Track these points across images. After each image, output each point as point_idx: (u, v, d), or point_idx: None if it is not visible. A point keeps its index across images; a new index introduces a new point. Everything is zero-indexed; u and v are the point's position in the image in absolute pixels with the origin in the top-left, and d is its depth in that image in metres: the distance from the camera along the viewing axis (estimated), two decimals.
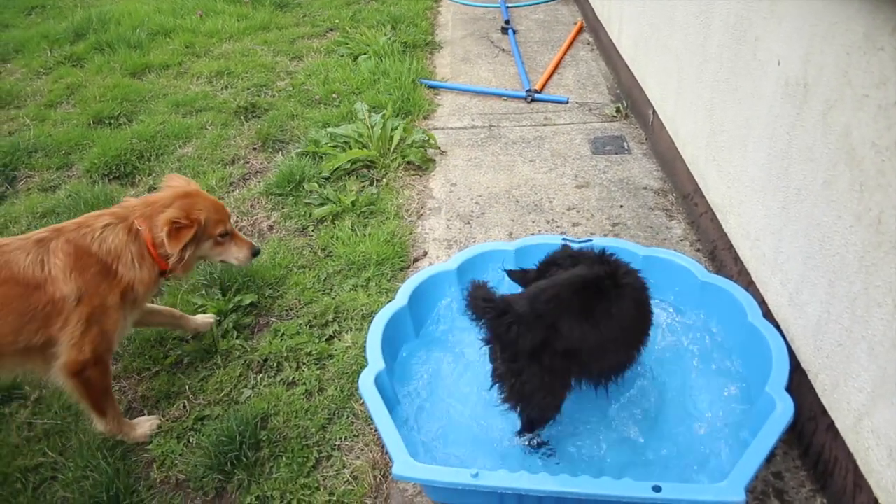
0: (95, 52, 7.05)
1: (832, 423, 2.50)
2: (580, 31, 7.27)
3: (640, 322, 2.71)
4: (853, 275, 2.33)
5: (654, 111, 4.83)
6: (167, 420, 3.02)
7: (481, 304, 2.37)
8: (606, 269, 2.59)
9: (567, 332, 2.42)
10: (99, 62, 6.78)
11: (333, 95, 5.88)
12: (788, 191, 2.82)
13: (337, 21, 7.85)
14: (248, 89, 6.22)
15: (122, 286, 2.76)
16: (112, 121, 5.68)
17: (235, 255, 3.10)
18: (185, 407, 3.10)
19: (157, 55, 7.02)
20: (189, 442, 2.93)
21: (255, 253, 3.16)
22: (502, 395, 2.57)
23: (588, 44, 7.02)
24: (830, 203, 2.48)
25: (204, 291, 3.68)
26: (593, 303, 2.51)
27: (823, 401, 2.57)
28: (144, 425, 2.99)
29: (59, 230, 2.75)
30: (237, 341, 3.40)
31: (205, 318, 3.46)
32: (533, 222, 4.15)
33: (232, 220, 3.20)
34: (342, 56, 6.79)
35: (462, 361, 3.08)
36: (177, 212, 2.83)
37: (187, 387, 3.18)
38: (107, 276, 2.73)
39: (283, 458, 2.80)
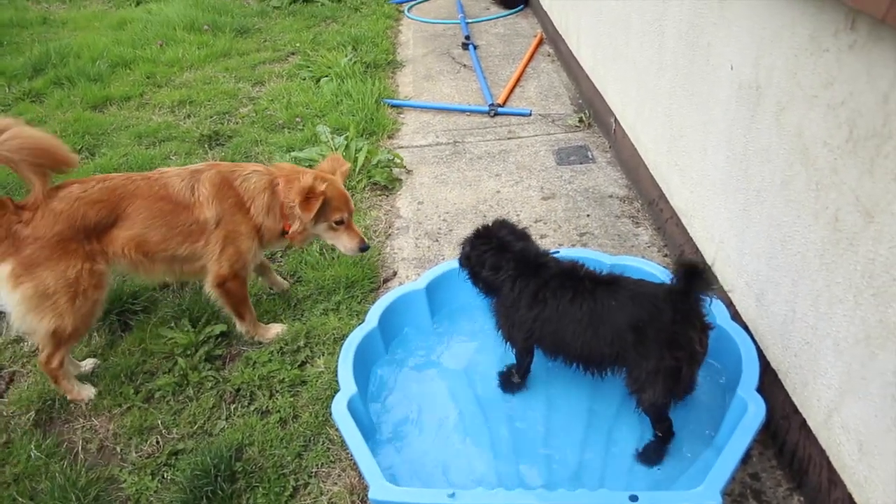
0: (55, 86, 6.97)
1: (804, 420, 2.52)
2: (540, 43, 7.34)
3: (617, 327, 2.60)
4: (815, 273, 2.36)
5: (615, 120, 4.87)
6: (140, 457, 2.98)
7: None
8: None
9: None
10: (59, 97, 6.71)
11: (297, 119, 5.87)
12: (748, 192, 2.85)
13: (298, 45, 7.85)
14: (211, 117, 6.19)
15: (253, 223, 3.25)
16: None
17: (345, 243, 3.42)
18: (158, 442, 3.04)
19: (117, 87, 6.96)
20: (164, 478, 2.88)
21: (364, 248, 3.44)
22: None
23: (548, 55, 7.08)
24: (789, 203, 2.51)
25: (173, 324, 3.63)
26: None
27: (794, 399, 2.59)
28: (276, 328, 3.55)
29: (215, 165, 3.29)
30: (209, 372, 3.35)
31: (284, 281, 3.91)
32: None
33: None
34: (304, 79, 6.78)
35: (435, 379, 3.08)
36: (308, 185, 3.18)
37: (160, 421, 3.13)
38: (241, 209, 3.22)
39: (260, 489, 2.76)
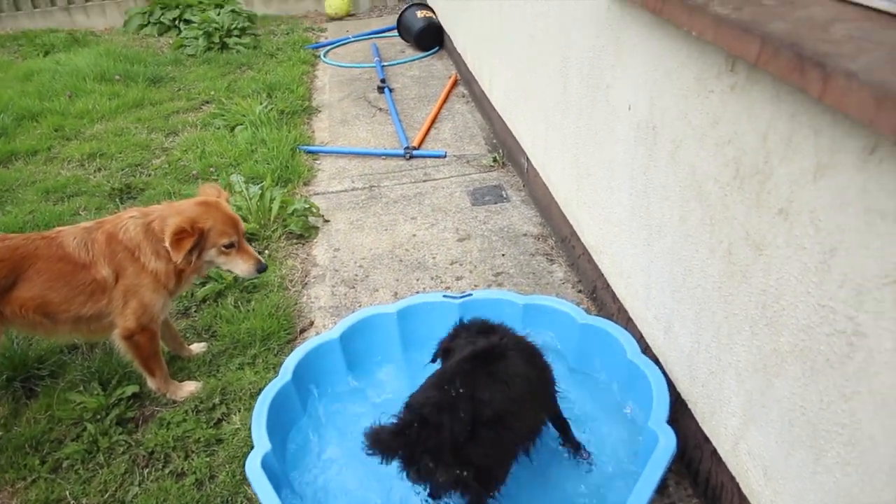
0: None
1: (714, 449, 2.57)
2: (455, 84, 7.45)
3: (542, 381, 2.67)
4: (715, 305, 2.43)
5: (527, 159, 4.96)
6: None
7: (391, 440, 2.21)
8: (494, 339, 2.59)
9: (489, 398, 2.33)
10: None
11: (211, 169, 5.78)
12: (651, 228, 2.93)
13: (212, 93, 7.76)
14: (123, 170, 6.03)
15: (148, 271, 3.15)
16: None
17: (240, 266, 3.28)
18: None
19: (23, 140, 6.73)
20: None
21: (261, 269, 3.31)
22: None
23: (463, 96, 7.19)
24: (687, 238, 2.59)
25: (82, 387, 3.49)
26: (496, 366, 2.46)
27: (704, 428, 2.65)
28: (189, 386, 3.46)
29: (102, 222, 3.21)
30: (120, 436, 3.22)
31: (198, 347, 3.77)
32: (417, 280, 4.16)
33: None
34: (218, 128, 6.69)
35: (352, 429, 3.02)
36: (182, 222, 3.06)
37: (68, 492, 2.98)
38: (133, 260, 3.13)
39: None
